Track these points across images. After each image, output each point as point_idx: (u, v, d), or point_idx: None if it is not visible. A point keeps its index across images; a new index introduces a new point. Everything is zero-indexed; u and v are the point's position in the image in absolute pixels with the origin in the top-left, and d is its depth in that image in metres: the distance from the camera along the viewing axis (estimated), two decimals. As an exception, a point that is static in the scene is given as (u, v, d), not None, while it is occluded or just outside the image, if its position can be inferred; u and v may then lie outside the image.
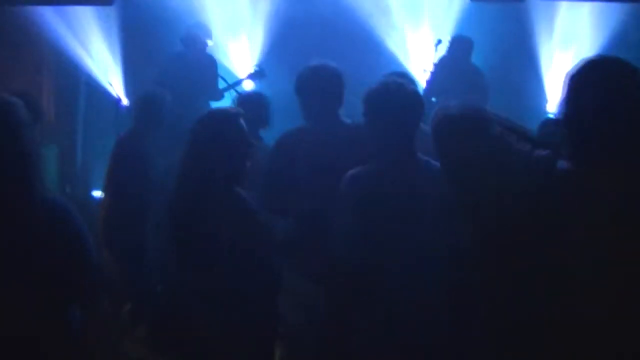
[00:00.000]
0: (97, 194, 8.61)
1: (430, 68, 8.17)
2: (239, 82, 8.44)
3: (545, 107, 8.85)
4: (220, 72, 8.48)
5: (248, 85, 8.58)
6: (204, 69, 8.09)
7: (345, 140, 4.08)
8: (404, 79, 3.72)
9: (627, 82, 2.39)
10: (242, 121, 3.66)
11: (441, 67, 8.02)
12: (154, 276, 5.43)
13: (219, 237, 3.53)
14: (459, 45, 8.03)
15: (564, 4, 8.60)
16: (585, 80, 2.44)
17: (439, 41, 8.13)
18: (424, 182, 3.37)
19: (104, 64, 9.13)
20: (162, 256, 5.69)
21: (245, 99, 5.68)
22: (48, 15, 8.28)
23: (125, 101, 8.58)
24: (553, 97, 8.95)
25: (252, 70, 8.59)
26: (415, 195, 3.36)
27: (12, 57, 8.37)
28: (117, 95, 8.56)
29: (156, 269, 5.46)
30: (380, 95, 3.48)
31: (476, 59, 8.44)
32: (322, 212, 3.85)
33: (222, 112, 3.83)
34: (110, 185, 6.05)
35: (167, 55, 8.26)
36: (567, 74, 2.50)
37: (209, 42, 8.31)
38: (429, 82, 7.92)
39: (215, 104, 8.08)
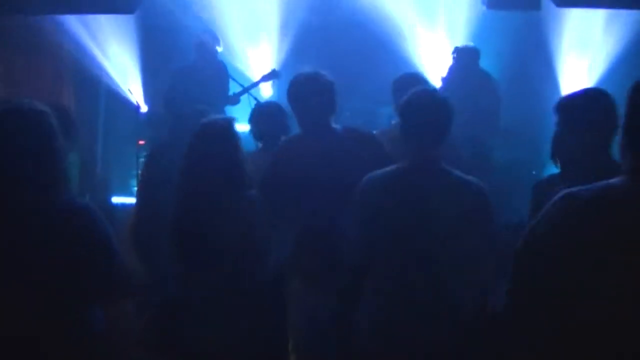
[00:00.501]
0: (117, 200, 8.78)
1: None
2: (254, 84, 8.47)
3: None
4: (235, 76, 8.55)
5: (264, 87, 8.67)
6: (215, 76, 8.13)
7: (335, 148, 4.21)
8: (435, 90, 3.83)
9: None
10: (235, 128, 3.89)
11: (450, 77, 8.11)
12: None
13: (225, 239, 3.72)
14: (465, 55, 8.10)
15: (579, 11, 8.65)
16: None
17: (456, 49, 8.22)
18: (441, 190, 3.46)
19: (123, 71, 9.29)
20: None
21: (262, 108, 5.80)
22: (68, 22, 8.43)
23: (144, 108, 8.73)
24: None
25: (266, 72, 8.63)
26: (429, 201, 3.44)
27: (32, 64, 8.51)
28: (136, 102, 8.70)
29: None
30: (411, 105, 3.58)
31: (493, 65, 8.52)
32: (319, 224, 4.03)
33: (215, 122, 3.95)
34: (142, 191, 6.21)
35: (173, 71, 8.15)
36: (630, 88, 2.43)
37: (218, 49, 8.31)
38: (442, 86, 8.00)
39: (231, 109, 8.16)
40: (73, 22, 8.46)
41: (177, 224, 3.88)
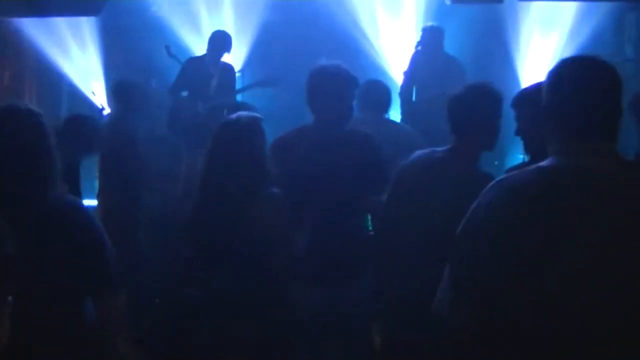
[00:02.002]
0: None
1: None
2: (246, 87, 8.77)
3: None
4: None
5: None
6: (222, 74, 8.35)
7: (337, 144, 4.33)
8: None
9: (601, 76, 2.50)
10: (261, 125, 3.99)
11: (415, 61, 8.33)
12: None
13: (242, 235, 3.86)
14: (430, 35, 8.32)
15: (540, 4, 8.95)
16: (565, 75, 2.53)
17: (419, 43, 8.45)
18: (466, 177, 3.78)
19: (86, 73, 9.43)
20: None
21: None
22: (29, 24, 8.53)
23: (108, 110, 8.85)
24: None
25: (263, 78, 8.86)
26: (451, 191, 3.73)
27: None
28: (100, 104, 8.82)
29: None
30: (458, 96, 3.95)
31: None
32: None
33: (242, 118, 4.04)
34: (105, 176, 6.41)
35: (187, 60, 8.47)
36: (549, 72, 2.59)
37: (227, 54, 8.54)
38: (405, 80, 8.23)
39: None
40: (33, 24, 8.55)
41: (195, 218, 4.01)
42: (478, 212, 2.52)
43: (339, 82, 4.26)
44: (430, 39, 8.22)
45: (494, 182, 2.55)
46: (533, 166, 2.49)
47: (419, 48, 8.23)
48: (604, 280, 2.32)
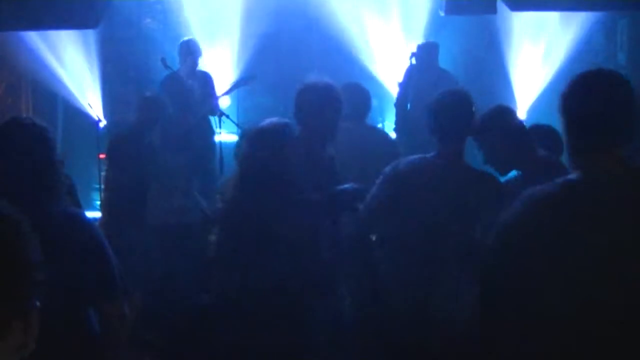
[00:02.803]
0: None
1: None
2: (230, 90, 8.85)
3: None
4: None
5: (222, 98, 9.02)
6: (200, 85, 8.48)
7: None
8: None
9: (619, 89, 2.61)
10: (290, 131, 4.13)
11: (410, 75, 8.50)
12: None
13: (276, 240, 3.96)
14: (426, 50, 8.51)
15: (532, 13, 9.11)
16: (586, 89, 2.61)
17: (413, 54, 8.61)
18: (457, 179, 4.06)
19: (82, 85, 9.53)
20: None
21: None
22: (25, 35, 8.59)
23: (104, 122, 8.99)
24: (521, 101, 9.57)
25: (240, 76, 8.97)
26: (449, 188, 4.03)
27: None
28: (96, 116, 8.93)
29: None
30: (438, 100, 4.19)
31: (447, 66, 8.89)
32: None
33: (272, 125, 4.17)
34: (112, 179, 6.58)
35: (161, 79, 8.55)
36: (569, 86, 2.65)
37: (199, 60, 8.68)
38: (400, 91, 8.39)
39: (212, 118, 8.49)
40: (30, 35, 8.63)
41: (228, 221, 4.17)
42: (506, 225, 2.64)
43: (325, 99, 4.48)
44: (426, 55, 8.40)
45: (522, 195, 2.62)
46: (560, 179, 2.58)
47: (414, 62, 8.39)
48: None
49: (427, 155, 4.17)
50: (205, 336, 4.38)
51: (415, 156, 4.22)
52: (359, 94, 6.08)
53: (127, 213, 6.40)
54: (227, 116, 8.24)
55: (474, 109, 4.18)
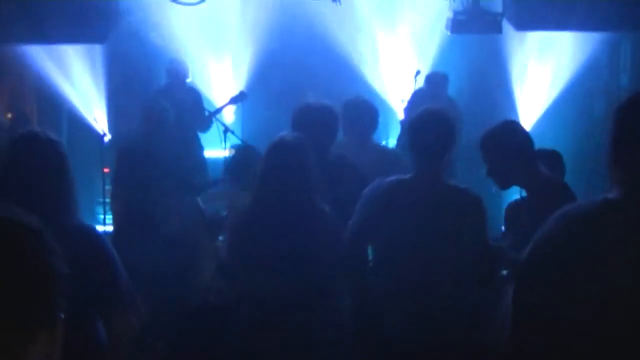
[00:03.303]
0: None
1: (408, 97, 8.77)
2: (221, 108, 8.88)
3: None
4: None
5: (228, 111, 9.06)
6: (189, 101, 8.55)
7: (334, 173, 4.62)
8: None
9: None
10: (308, 146, 4.19)
11: (418, 99, 8.60)
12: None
13: (289, 251, 4.03)
14: (435, 80, 8.66)
15: (537, 33, 9.21)
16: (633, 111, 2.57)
17: (418, 72, 8.72)
18: (440, 199, 4.04)
19: (88, 99, 9.62)
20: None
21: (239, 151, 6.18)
22: (31, 48, 8.66)
23: (109, 136, 9.05)
24: (524, 119, 9.59)
25: (233, 94, 9.01)
26: (429, 209, 4.00)
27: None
28: (102, 131, 9.00)
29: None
30: (416, 119, 4.19)
31: (452, 85, 9.09)
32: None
33: (287, 140, 4.24)
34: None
35: (151, 92, 8.68)
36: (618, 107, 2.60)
37: (187, 79, 8.82)
38: (406, 114, 8.49)
39: (203, 135, 8.61)
40: (36, 48, 8.69)
41: (243, 231, 4.22)
42: (541, 243, 2.60)
43: (319, 121, 4.67)
44: (433, 86, 8.54)
45: (558, 213, 2.57)
46: (599, 197, 2.53)
47: (420, 78, 8.51)
48: None
49: (405, 176, 4.16)
50: (211, 341, 4.43)
51: (394, 177, 4.18)
52: (364, 110, 5.95)
53: (139, 226, 6.41)
54: (232, 132, 8.33)
55: (451, 127, 4.14)
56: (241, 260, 4.21)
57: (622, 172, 2.49)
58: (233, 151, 6.46)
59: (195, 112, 8.54)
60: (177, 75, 8.66)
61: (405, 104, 8.76)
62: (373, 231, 4.13)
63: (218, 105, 9.06)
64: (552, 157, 4.88)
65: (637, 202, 2.46)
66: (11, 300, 1.61)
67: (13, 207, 1.74)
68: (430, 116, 4.14)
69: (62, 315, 1.75)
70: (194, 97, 8.76)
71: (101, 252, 3.40)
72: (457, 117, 8.41)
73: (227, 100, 8.82)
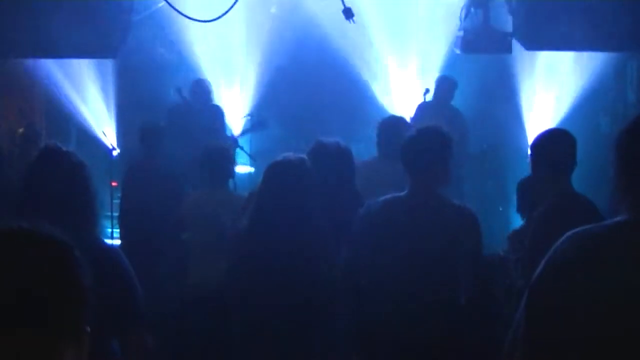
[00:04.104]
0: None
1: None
2: (242, 133, 9.02)
3: (526, 149, 9.51)
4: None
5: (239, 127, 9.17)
6: (212, 118, 8.70)
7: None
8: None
9: None
10: (308, 166, 4.28)
11: (422, 112, 8.69)
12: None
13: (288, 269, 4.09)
14: (446, 84, 8.78)
15: (546, 52, 9.29)
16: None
17: (427, 90, 8.79)
18: (435, 217, 4.04)
19: (98, 113, 9.71)
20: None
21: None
22: (40, 62, 8.76)
23: (117, 151, 9.13)
24: (532, 137, 9.61)
25: (252, 120, 9.21)
26: (424, 227, 4.01)
27: (1, 102, 8.85)
28: (110, 145, 9.08)
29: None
30: (412, 137, 4.19)
31: (461, 102, 9.20)
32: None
33: (294, 159, 4.32)
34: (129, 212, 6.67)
35: (169, 107, 8.88)
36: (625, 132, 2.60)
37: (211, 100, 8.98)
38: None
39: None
40: (47, 62, 8.80)
41: (242, 249, 4.27)
42: (550, 264, 2.60)
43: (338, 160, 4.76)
44: (445, 90, 8.63)
45: (568, 234, 2.57)
46: (610, 220, 2.55)
47: (429, 96, 8.57)
48: None
49: (400, 194, 4.16)
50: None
51: (389, 195, 4.19)
52: (398, 129, 5.95)
53: (148, 242, 6.48)
54: (242, 148, 8.41)
55: (442, 142, 4.13)
56: (239, 277, 4.27)
57: (631, 196, 2.49)
58: None
59: (217, 132, 8.64)
60: (201, 94, 8.78)
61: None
62: (369, 250, 4.12)
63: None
64: None
65: None
66: (41, 312, 1.64)
67: (44, 223, 1.77)
68: (421, 132, 4.18)
69: (88, 329, 1.80)
70: (217, 117, 8.87)
71: (120, 270, 3.41)
72: (463, 127, 8.59)
73: (249, 126, 8.95)
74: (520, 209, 5.36)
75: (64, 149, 3.48)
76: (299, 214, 4.15)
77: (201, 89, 8.81)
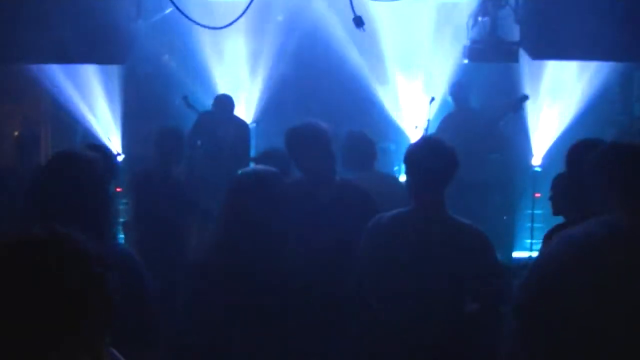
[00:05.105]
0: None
1: (423, 124, 8.92)
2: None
3: (531, 159, 9.64)
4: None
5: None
6: (233, 135, 8.83)
7: (333, 197, 4.62)
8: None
9: None
10: (275, 179, 4.08)
11: (449, 120, 8.94)
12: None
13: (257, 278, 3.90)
14: (458, 89, 9.07)
15: (552, 63, 9.37)
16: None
17: (433, 99, 8.85)
18: (442, 234, 3.98)
19: (102, 119, 9.74)
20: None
21: (267, 155, 6.30)
22: (48, 68, 8.81)
23: (122, 157, 9.17)
24: (537, 147, 9.76)
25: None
26: (431, 244, 3.96)
27: (8, 108, 8.89)
28: (115, 151, 9.10)
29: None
30: (415, 150, 4.11)
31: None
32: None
33: (265, 170, 4.20)
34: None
35: (199, 116, 9.03)
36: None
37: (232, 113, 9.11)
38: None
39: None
40: (53, 68, 8.83)
41: (207, 268, 4.04)
42: (542, 265, 2.74)
43: (311, 140, 4.61)
44: (459, 94, 8.93)
45: (560, 235, 2.72)
46: (600, 220, 2.67)
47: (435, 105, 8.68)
48: None
49: (406, 209, 4.08)
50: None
51: (395, 211, 4.11)
52: (364, 142, 6.26)
53: (158, 251, 6.46)
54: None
55: (452, 158, 4.01)
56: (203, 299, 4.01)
57: (615, 201, 2.72)
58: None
59: (238, 146, 8.75)
60: (224, 108, 8.89)
61: (420, 131, 8.88)
62: (377, 267, 4.07)
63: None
64: None
65: (636, 227, 2.61)
66: (67, 318, 1.67)
67: (74, 231, 1.82)
68: (431, 146, 4.08)
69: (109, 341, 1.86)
70: (240, 132, 8.98)
71: (139, 283, 3.30)
72: (485, 127, 8.70)
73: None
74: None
75: (80, 152, 3.44)
76: (267, 230, 3.97)
77: (225, 102, 8.93)
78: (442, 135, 8.24)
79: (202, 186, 7.40)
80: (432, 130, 8.63)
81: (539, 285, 2.70)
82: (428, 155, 4.02)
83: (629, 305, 2.50)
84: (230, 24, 5.37)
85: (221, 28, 5.45)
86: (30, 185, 3.39)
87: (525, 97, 8.92)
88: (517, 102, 8.92)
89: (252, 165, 7.48)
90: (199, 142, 8.64)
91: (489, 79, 9.63)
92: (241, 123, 9.14)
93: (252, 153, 8.99)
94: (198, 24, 5.73)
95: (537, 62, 8.87)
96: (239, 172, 4.21)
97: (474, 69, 9.23)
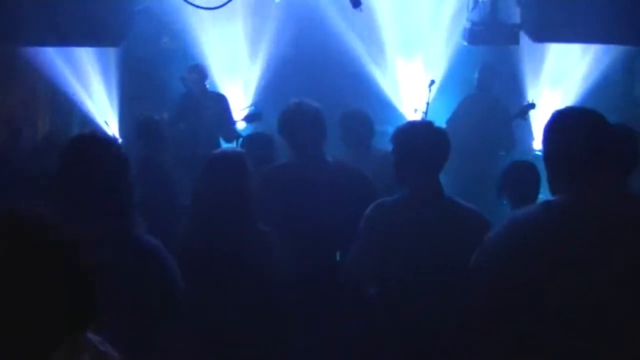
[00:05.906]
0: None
1: (422, 108, 8.85)
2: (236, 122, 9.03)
3: (532, 143, 9.61)
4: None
5: (241, 126, 9.18)
6: (214, 108, 8.73)
7: (326, 180, 4.63)
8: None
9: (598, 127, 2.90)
10: (246, 161, 4.17)
11: (469, 103, 8.92)
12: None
13: (231, 268, 3.99)
14: (486, 73, 9.03)
15: (553, 46, 9.31)
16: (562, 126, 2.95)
17: (432, 82, 8.79)
18: (444, 219, 3.98)
19: (100, 102, 9.68)
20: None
21: (251, 140, 6.28)
22: (42, 50, 8.69)
23: (120, 140, 9.13)
24: (538, 132, 9.67)
25: (247, 112, 9.22)
26: (432, 229, 3.94)
27: (5, 90, 8.86)
28: (112, 134, 9.09)
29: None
30: (407, 133, 4.08)
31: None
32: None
33: (231, 152, 4.34)
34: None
35: (179, 96, 8.95)
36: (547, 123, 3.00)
37: (206, 83, 8.96)
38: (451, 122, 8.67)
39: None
40: (51, 51, 8.76)
41: (187, 249, 4.08)
42: (488, 246, 2.85)
43: (314, 120, 4.70)
44: (485, 77, 8.91)
45: (507, 218, 2.87)
46: (540, 202, 2.83)
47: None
48: (606, 317, 2.58)
49: (404, 195, 4.06)
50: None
51: (393, 197, 4.10)
52: (361, 119, 6.36)
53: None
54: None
55: (446, 139, 4.03)
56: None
57: (560, 181, 2.81)
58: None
59: (220, 119, 8.69)
60: (197, 82, 8.78)
61: (420, 114, 8.83)
62: (376, 253, 4.05)
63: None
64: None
65: (573, 205, 2.70)
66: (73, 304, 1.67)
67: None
68: (424, 129, 4.07)
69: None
70: (220, 104, 8.89)
71: (158, 274, 3.28)
72: (505, 114, 8.73)
73: (241, 117, 8.96)
74: None
75: (100, 135, 3.42)
76: (238, 209, 4.03)
77: (197, 75, 8.80)
78: (465, 119, 8.25)
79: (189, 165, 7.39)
80: (431, 113, 8.55)
81: (485, 270, 2.84)
82: (423, 137, 4.00)
83: (572, 273, 2.60)
84: (225, 4, 5.31)
85: (215, 8, 5.39)
86: (57, 167, 3.28)
87: (532, 105, 8.85)
88: (523, 109, 8.87)
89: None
90: (181, 125, 8.57)
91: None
92: (218, 97, 9.04)
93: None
94: (191, 4, 5.67)
95: (538, 45, 8.80)
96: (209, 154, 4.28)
97: (475, 52, 9.19)
